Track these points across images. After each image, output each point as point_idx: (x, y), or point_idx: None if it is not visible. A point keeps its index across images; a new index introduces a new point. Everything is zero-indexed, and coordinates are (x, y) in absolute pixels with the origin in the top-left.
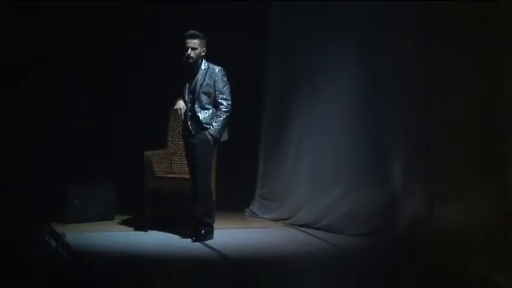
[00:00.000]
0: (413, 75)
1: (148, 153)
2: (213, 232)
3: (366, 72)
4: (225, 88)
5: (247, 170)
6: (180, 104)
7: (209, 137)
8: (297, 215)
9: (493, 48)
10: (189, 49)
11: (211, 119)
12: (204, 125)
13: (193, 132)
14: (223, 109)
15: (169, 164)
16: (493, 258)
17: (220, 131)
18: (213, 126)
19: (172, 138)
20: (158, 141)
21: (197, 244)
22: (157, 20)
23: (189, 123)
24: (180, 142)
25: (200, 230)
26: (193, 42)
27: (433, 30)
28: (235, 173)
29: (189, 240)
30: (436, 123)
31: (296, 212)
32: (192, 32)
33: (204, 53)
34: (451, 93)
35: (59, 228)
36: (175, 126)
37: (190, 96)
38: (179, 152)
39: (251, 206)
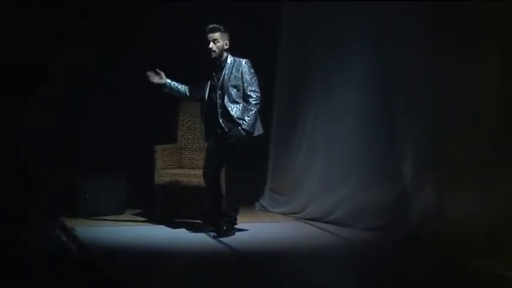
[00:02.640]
0: (424, 70)
1: (158, 147)
2: (234, 228)
3: (376, 69)
4: (253, 80)
5: (258, 164)
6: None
7: (243, 132)
8: (308, 209)
9: (504, 45)
10: (211, 42)
11: (243, 113)
12: (236, 120)
13: (226, 129)
14: (253, 102)
15: (179, 158)
16: (503, 253)
17: (254, 124)
18: (245, 121)
19: (182, 132)
20: (168, 136)
21: (207, 238)
22: (170, 17)
23: (220, 120)
24: (190, 136)
25: (223, 226)
26: (215, 35)
27: (444, 26)
28: (246, 166)
29: (199, 234)
30: (446, 119)
31: (306, 206)
32: (212, 25)
33: (227, 46)
34: (462, 90)
35: (69, 223)
36: (185, 121)
37: (219, 91)
38: (189, 146)
39: (261, 200)
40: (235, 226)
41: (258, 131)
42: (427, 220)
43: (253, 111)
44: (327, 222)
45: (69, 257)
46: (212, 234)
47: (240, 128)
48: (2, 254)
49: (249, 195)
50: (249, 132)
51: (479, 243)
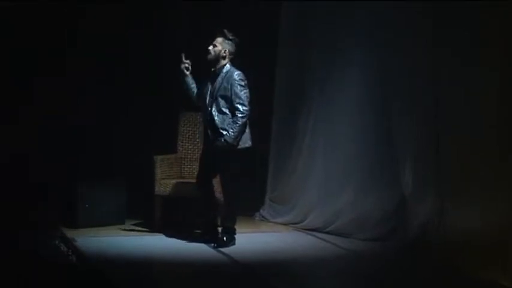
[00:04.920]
0: (424, 78)
1: (158, 157)
2: (234, 238)
3: (376, 77)
4: (242, 93)
5: (258, 174)
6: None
7: (224, 143)
8: (307, 219)
9: (506, 49)
10: (211, 45)
11: (228, 124)
12: (220, 130)
13: (210, 138)
14: (239, 115)
15: (179, 168)
16: (504, 262)
17: (237, 137)
18: (228, 133)
19: (182, 142)
20: (168, 146)
21: (207, 248)
22: (167, 24)
23: (208, 127)
24: (190, 147)
25: (222, 236)
26: (217, 39)
27: (443, 29)
28: (246, 176)
29: (199, 244)
30: (446, 126)
31: (306, 216)
32: (221, 29)
33: (225, 54)
34: (462, 97)
35: (69, 233)
36: (185, 131)
37: (210, 99)
38: (189, 156)
39: (261, 210)
40: (235, 235)
41: (245, 143)
42: (427, 229)
43: (238, 124)
44: (327, 233)
45: (69, 267)
46: (212, 244)
47: (222, 138)
48: (2, 263)
49: (249, 205)
50: (230, 144)
51: (479, 252)
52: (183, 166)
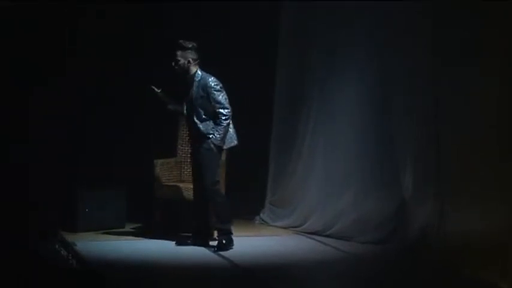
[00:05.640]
0: (424, 79)
1: (158, 161)
2: (232, 240)
3: (376, 77)
4: (220, 97)
5: (258, 177)
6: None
7: (212, 145)
8: (308, 222)
9: (506, 49)
10: (173, 61)
11: (212, 128)
12: (206, 135)
13: (196, 144)
14: (222, 118)
15: (179, 172)
16: (504, 264)
17: (223, 139)
18: (214, 136)
19: (181, 146)
20: (168, 150)
21: (207, 252)
22: (166, 26)
23: (192, 134)
24: (189, 150)
25: (220, 239)
26: (177, 54)
27: (444, 30)
28: (246, 180)
29: (199, 247)
30: (447, 129)
31: (306, 219)
32: (177, 42)
33: (191, 63)
34: (462, 97)
35: (70, 237)
36: (184, 135)
37: (189, 108)
38: (189, 160)
39: (261, 214)
40: (232, 237)
41: (231, 142)
42: (427, 232)
43: (222, 126)
44: (327, 236)
45: (69, 271)
46: (213, 248)
47: (209, 141)
48: (2, 267)
49: (249, 209)
50: (217, 147)
51: (479, 253)
52: (182, 170)
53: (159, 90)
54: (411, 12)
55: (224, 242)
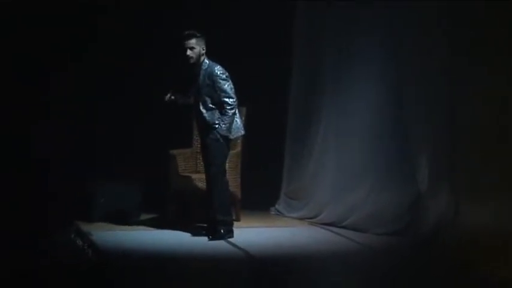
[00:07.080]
0: (439, 74)
1: (173, 152)
2: (232, 231)
3: (392, 71)
4: (226, 86)
5: (274, 168)
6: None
7: (218, 136)
8: (323, 213)
9: None
10: (188, 49)
11: (218, 118)
12: (212, 125)
13: (203, 133)
14: (227, 108)
15: (195, 163)
16: None
17: (229, 129)
18: (220, 126)
19: (197, 137)
20: (184, 140)
21: (222, 243)
22: (181, 19)
23: (199, 124)
24: None
25: (219, 229)
26: (191, 42)
27: (459, 30)
28: (262, 170)
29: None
30: (462, 123)
31: (321, 210)
32: (187, 32)
33: (204, 51)
34: (478, 93)
35: (85, 227)
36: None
37: (196, 97)
38: None
39: (277, 205)
40: (232, 228)
41: (238, 132)
42: (442, 225)
43: (227, 116)
44: (342, 227)
45: (85, 261)
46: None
47: (216, 131)
48: (18, 257)
49: (264, 200)
50: (224, 137)
51: (494, 248)
52: (198, 160)
53: (173, 97)
54: (427, 14)
55: (222, 231)
